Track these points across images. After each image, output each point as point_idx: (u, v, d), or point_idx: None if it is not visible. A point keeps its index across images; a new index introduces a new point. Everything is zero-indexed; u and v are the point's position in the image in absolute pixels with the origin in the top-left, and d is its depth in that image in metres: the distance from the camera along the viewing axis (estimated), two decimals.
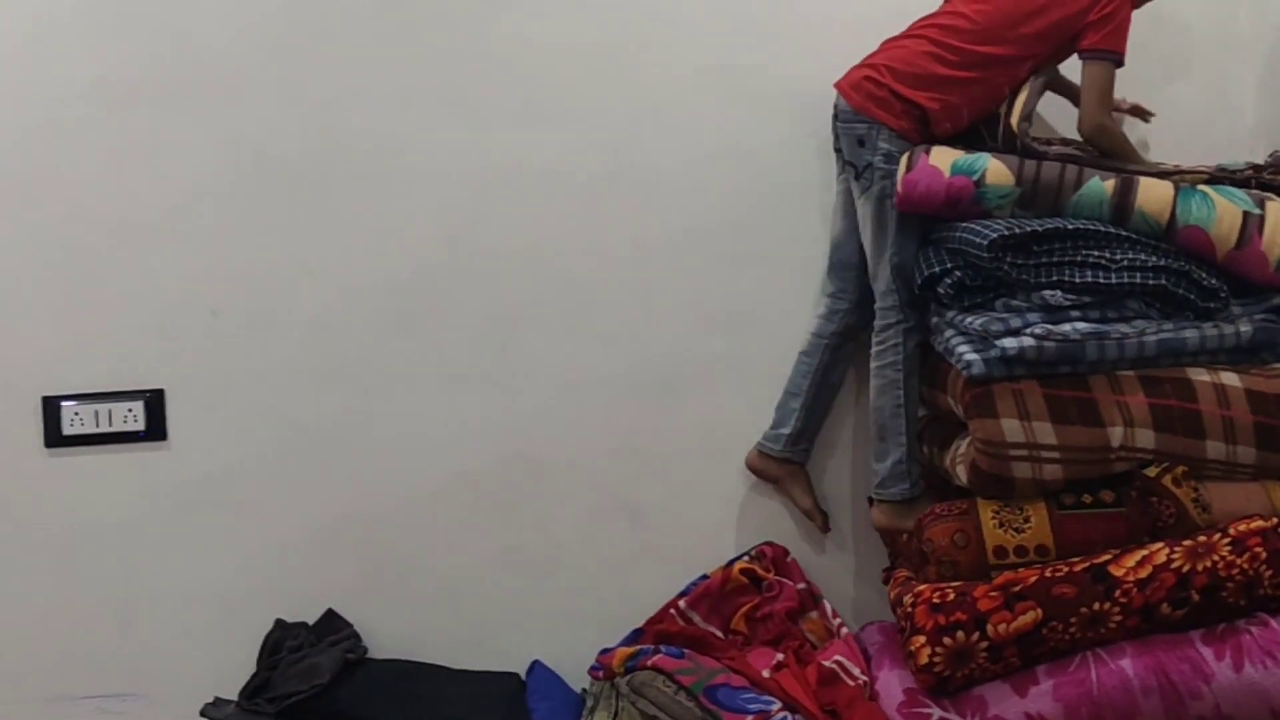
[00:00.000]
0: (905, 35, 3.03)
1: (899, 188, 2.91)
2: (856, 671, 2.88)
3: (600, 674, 2.93)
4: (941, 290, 2.89)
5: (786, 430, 3.19)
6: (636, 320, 3.25)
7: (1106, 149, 2.96)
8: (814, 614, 3.16)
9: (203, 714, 2.98)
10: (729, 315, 3.27)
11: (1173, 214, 2.82)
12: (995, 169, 2.85)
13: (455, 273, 3.21)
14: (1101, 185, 2.84)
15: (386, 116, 3.18)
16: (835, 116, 3.06)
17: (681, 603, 3.14)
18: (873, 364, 3.04)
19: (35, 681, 3.11)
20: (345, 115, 3.17)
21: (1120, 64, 2.94)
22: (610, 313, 3.25)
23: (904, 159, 2.92)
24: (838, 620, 3.14)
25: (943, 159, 2.88)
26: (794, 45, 3.23)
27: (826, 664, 2.89)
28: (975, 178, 2.84)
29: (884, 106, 2.96)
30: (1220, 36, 3.34)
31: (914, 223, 2.98)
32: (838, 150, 3.11)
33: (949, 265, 2.89)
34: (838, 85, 3.05)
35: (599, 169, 3.23)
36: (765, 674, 2.86)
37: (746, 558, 3.19)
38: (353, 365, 3.19)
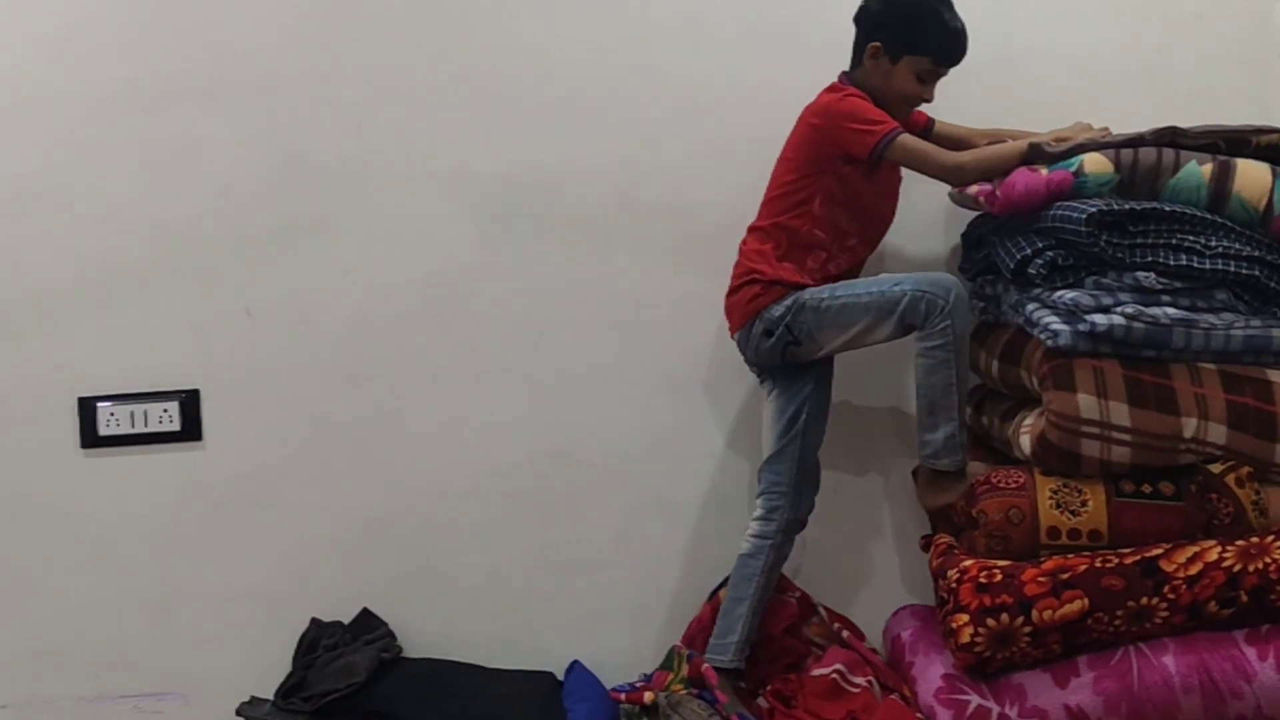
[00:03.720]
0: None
1: (998, 192, 2.86)
2: (858, 678, 2.87)
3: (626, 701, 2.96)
4: (1033, 270, 2.83)
5: (735, 639, 2.98)
6: (671, 318, 3.25)
7: (981, 175, 2.94)
8: (814, 619, 3.15)
9: (239, 713, 2.99)
10: None
11: (1270, 201, 2.79)
12: (1092, 158, 2.82)
13: (489, 271, 3.21)
14: (1199, 170, 2.80)
15: (419, 115, 3.19)
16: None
17: (679, 645, 3.11)
18: (920, 345, 2.91)
19: (73, 681, 3.13)
20: (378, 114, 3.17)
21: (898, 133, 2.90)
22: (645, 310, 3.25)
23: (1018, 164, 2.89)
24: (836, 624, 3.13)
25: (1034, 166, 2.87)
26: (823, 45, 3.21)
27: (820, 673, 2.88)
28: (1074, 169, 2.81)
29: (753, 298, 2.98)
30: (1257, 33, 3.32)
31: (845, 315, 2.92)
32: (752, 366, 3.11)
33: (1040, 245, 2.84)
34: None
35: (632, 165, 3.23)
36: None
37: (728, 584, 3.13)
38: (387, 364, 3.19)
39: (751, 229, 3.06)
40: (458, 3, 3.20)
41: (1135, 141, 2.84)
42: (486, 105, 3.20)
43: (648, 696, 2.90)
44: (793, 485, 2.98)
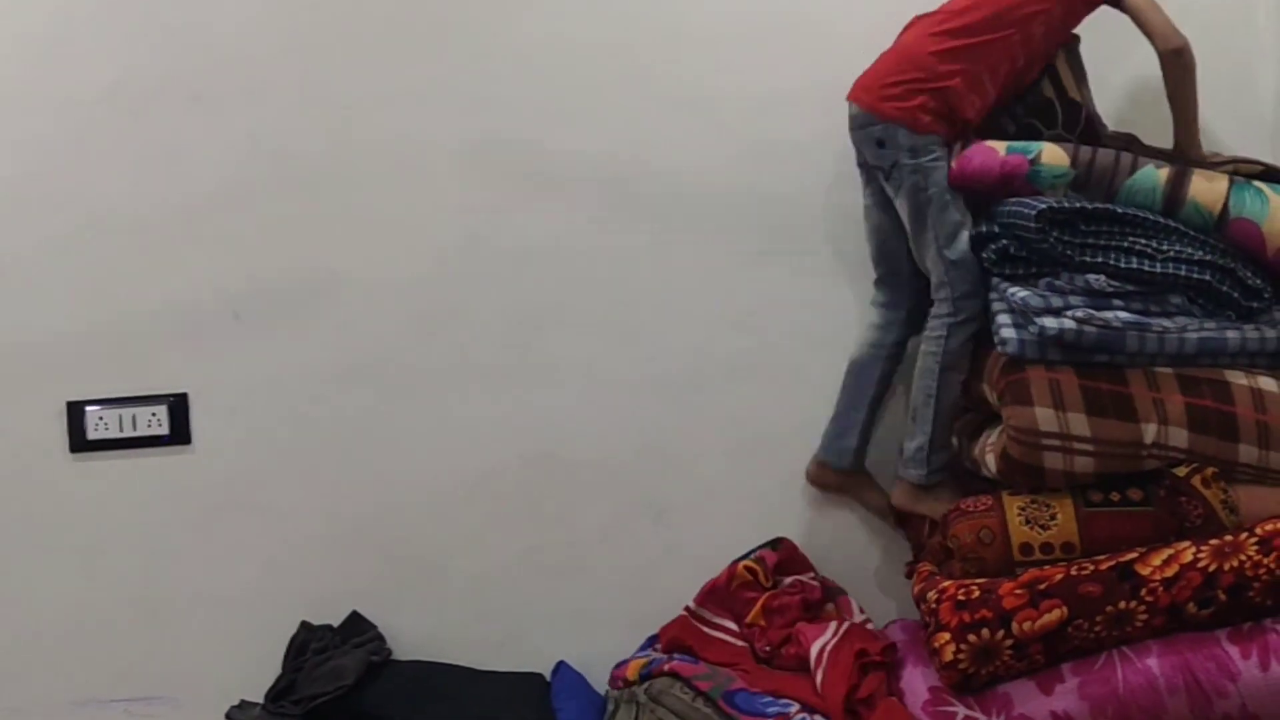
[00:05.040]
0: (902, 34, 3.02)
1: (953, 164, 2.89)
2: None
3: (619, 685, 2.97)
4: (985, 254, 2.87)
5: (852, 444, 3.16)
6: (659, 319, 3.25)
7: (1184, 69, 2.87)
8: (830, 606, 3.16)
9: (229, 716, 3.00)
10: (752, 313, 3.26)
11: (1225, 206, 2.80)
12: (1051, 150, 2.84)
13: (478, 273, 3.21)
14: (1156, 173, 2.82)
15: (407, 116, 3.18)
16: (851, 127, 3.02)
17: (691, 604, 3.15)
18: (921, 346, 2.99)
19: (62, 685, 3.12)
20: (365, 115, 3.17)
21: None
22: (633, 312, 3.25)
23: (958, 145, 2.90)
24: (863, 615, 3.14)
25: (996, 142, 2.88)
26: (815, 45, 3.23)
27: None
28: (1030, 156, 2.83)
29: (900, 102, 2.91)
30: (1239, 34, 3.31)
31: (957, 213, 2.93)
32: (861, 164, 3.07)
33: (996, 230, 2.86)
34: (849, 96, 3.01)
35: (621, 167, 3.23)
36: (815, 648, 2.90)
37: (752, 558, 3.18)
38: (376, 366, 3.19)
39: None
40: (446, 4, 3.20)
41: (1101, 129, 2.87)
42: (475, 106, 3.19)
43: (630, 671, 2.96)
44: None
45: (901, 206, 2.98)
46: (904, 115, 2.90)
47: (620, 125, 3.23)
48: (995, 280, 2.89)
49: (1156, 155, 2.88)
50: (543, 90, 3.21)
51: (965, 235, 2.92)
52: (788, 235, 3.25)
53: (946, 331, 2.94)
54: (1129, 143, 2.90)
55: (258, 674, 3.05)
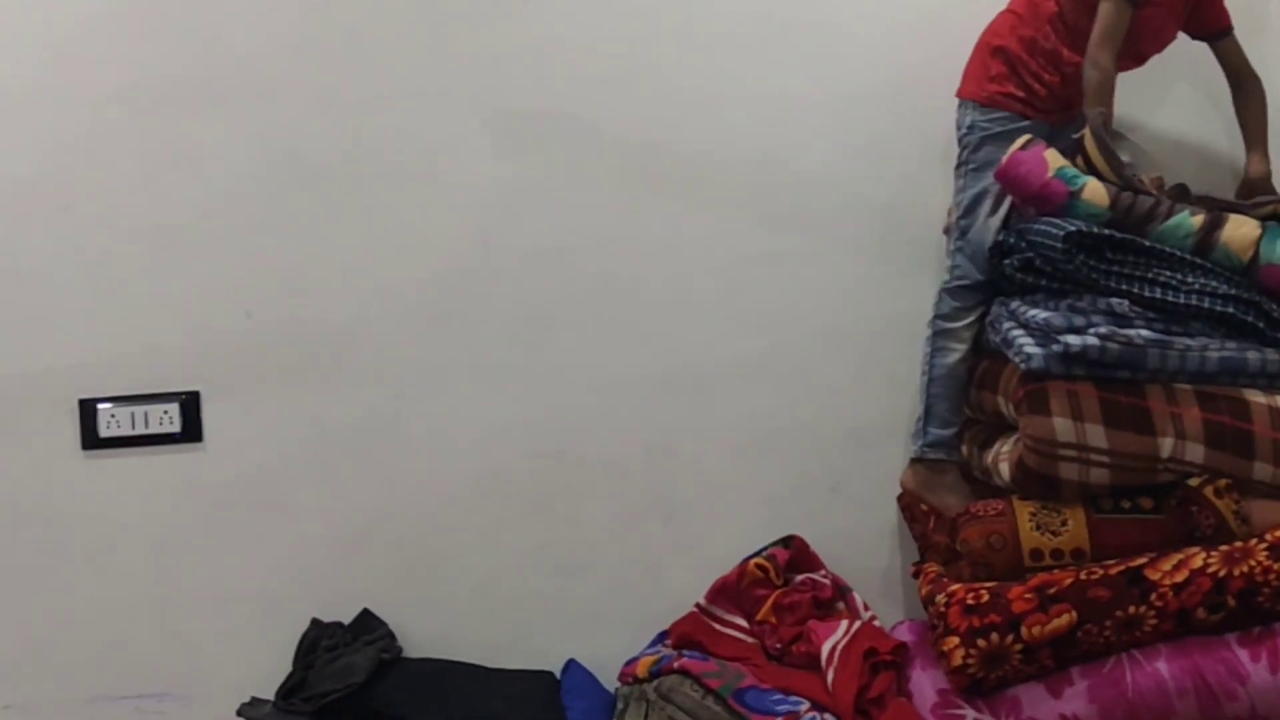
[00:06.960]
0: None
1: (1004, 159, 2.90)
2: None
3: (629, 681, 2.99)
4: (1009, 261, 2.87)
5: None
6: (669, 319, 3.26)
7: (1091, 84, 2.88)
8: (841, 604, 3.17)
9: (240, 713, 3.00)
10: (761, 313, 3.27)
11: (1256, 252, 2.80)
12: (1094, 188, 2.83)
13: (488, 273, 3.21)
14: (1189, 220, 2.82)
15: (418, 117, 3.18)
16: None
17: (702, 600, 3.17)
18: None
19: (74, 682, 3.13)
20: (377, 117, 3.17)
21: (1135, 5, 2.88)
22: (643, 312, 3.26)
23: (1022, 139, 2.91)
24: (870, 613, 3.15)
25: (1055, 159, 2.87)
26: (818, 49, 3.24)
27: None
28: (1073, 189, 2.82)
29: (970, 80, 3.03)
30: (1254, 34, 3.29)
31: (994, 205, 2.99)
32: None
33: (1023, 244, 2.87)
34: None
35: (630, 167, 3.23)
36: (826, 647, 2.91)
37: (763, 555, 3.20)
38: (387, 366, 3.20)
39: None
40: (455, 5, 3.20)
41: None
42: (485, 107, 3.20)
43: (640, 668, 2.97)
44: None
45: (955, 179, 3.10)
46: (974, 90, 3.05)
47: (629, 126, 3.23)
48: (1015, 305, 2.88)
49: (1196, 202, 2.87)
50: (553, 92, 3.22)
51: (991, 226, 3.00)
52: (795, 235, 3.26)
53: (938, 297, 3.02)
54: (1179, 193, 2.88)
55: (268, 671, 3.06)
